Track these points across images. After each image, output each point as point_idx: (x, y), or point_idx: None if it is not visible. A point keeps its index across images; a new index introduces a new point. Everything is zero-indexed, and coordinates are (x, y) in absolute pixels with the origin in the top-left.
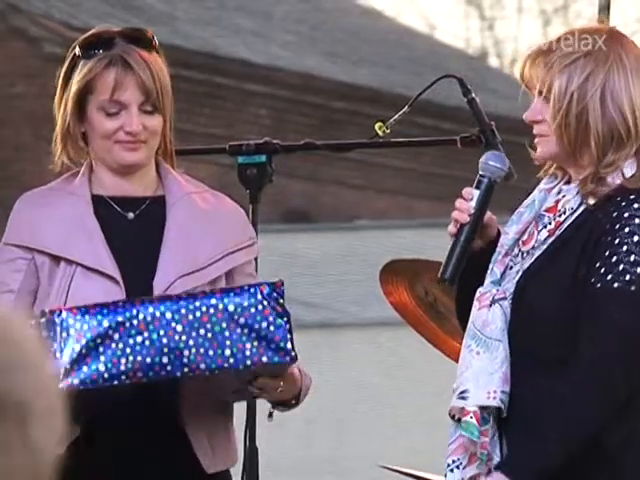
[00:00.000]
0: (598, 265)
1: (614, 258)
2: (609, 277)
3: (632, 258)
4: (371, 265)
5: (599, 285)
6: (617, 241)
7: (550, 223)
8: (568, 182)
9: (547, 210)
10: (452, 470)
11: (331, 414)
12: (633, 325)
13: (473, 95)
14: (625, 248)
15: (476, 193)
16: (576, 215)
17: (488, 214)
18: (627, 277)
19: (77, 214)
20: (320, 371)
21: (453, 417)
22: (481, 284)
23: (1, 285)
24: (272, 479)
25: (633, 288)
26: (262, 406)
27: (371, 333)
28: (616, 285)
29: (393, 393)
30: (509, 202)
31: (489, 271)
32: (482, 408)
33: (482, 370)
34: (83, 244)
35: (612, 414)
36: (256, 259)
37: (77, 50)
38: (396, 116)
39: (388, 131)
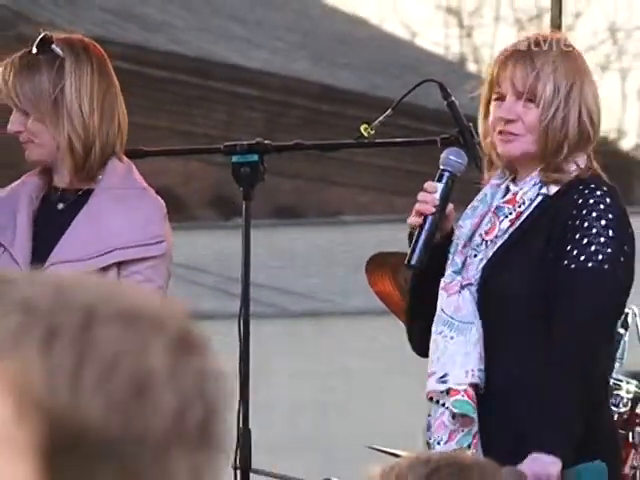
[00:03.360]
0: (570, 248)
1: (585, 240)
2: (582, 258)
3: (602, 239)
4: (355, 257)
5: (574, 266)
6: (586, 224)
7: (511, 213)
8: (514, 179)
9: (506, 202)
10: (434, 447)
11: (316, 398)
12: (609, 299)
13: (452, 98)
14: (594, 231)
15: (439, 186)
16: (535, 204)
17: (450, 206)
18: (599, 257)
19: (17, 207)
20: (306, 357)
21: (431, 399)
22: (434, 272)
23: None
24: (262, 458)
25: (606, 266)
26: (254, 389)
27: (355, 321)
28: (590, 264)
29: (375, 378)
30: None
31: (449, 261)
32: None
33: (457, 352)
34: (10, 234)
35: (599, 375)
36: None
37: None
38: (380, 118)
39: (373, 132)
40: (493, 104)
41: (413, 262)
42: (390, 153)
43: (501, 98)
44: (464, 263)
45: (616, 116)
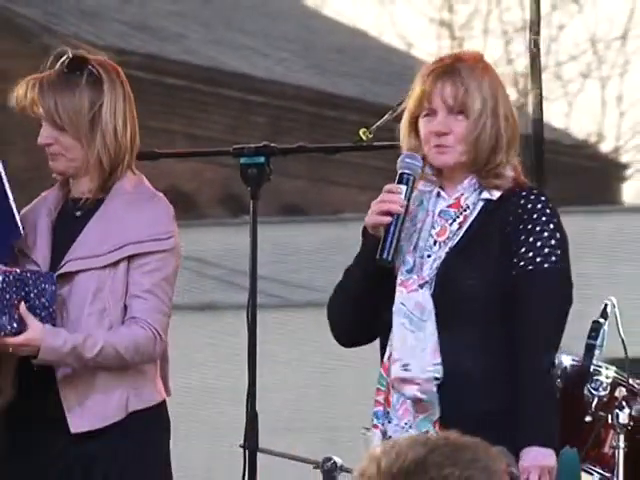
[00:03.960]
0: (524, 250)
1: (539, 243)
2: (538, 259)
3: (552, 242)
4: (354, 252)
5: (531, 267)
6: (538, 228)
7: (458, 217)
8: (441, 186)
9: (450, 206)
10: (407, 431)
11: (318, 382)
12: (565, 296)
13: None
14: (546, 234)
15: (403, 188)
16: (479, 208)
17: (411, 206)
18: (553, 258)
19: (38, 218)
20: (309, 345)
21: (393, 386)
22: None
23: None
24: (268, 439)
25: (559, 266)
26: (262, 376)
27: None
28: (546, 265)
29: (372, 364)
30: None
31: (401, 261)
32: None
33: (416, 347)
34: (31, 242)
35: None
36: (168, 252)
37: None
38: (378, 123)
39: (371, 136)
40: (423, 119)
41: (384, 256)
42: (387, 155)
43: (432, 113)
44: (415, 263)
45: (596, 121)
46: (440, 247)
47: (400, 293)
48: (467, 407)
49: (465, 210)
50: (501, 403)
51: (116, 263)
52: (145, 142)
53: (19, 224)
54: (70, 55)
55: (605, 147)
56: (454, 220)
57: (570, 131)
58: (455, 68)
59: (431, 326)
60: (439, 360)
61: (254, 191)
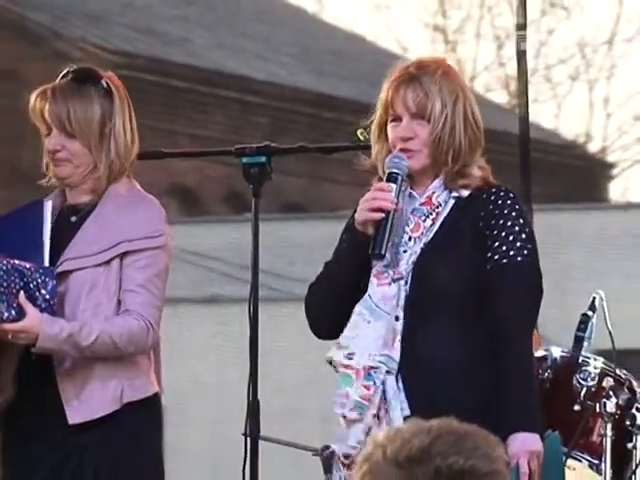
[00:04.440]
0: (498, 244)
1: (511, 237)
2: (512, 253)
3: (523, 236)
4: None
5: (505, 260)
6: (509, 223)
7: (431, 214)
8: (411, 188)
9: (423, 204)
10: (360, 413)
11: (318, 372)
12: (538, 288)
13: None
14: (517, 229)
15: (394, 186)
16: (450, 206)
17: (400, 204)
18: (525, 251)
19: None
20: (309, 336)
21: (331, 363)
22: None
23: None
24: (270, 426)
25: (531, 259)
26: (264, 366)
27: None
28: (519, 259)
29: None
30: None
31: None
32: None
33: (369, 335)
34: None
35: None
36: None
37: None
38: None
39: (368, 136)
40: (390, 125)
41: (378, 251)
42: None
43: (397, 119)
44: (391, 258)
45: (584, 122)
46: (415, 242)
47: (371, 284)
48: (441, 402)
49: (437, 207)
50: (476, 400)
51: (110, 261)
52: (150, 142)
53: (46, 262)
54: (75, 67)
55: (593, 147)
56: (427, 217)
57: (559, 131)
58: (416, 75)
59: (391, 321)
60: (394, 354)
61: (256, 189)
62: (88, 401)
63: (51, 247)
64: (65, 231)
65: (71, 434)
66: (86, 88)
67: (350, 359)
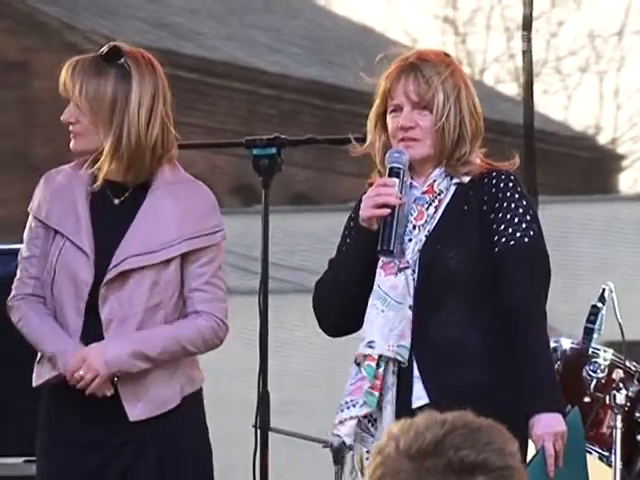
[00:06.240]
0: (504, 227)
1: (516, 219)
2: (518, 234)
3: (528, 217)
4: None
5: (513, 242)
6: (513, 205)
7: (433, 201)
8: (412, 178)
9: (424, 193)
10: (348, 408)
11: (327, 364)
12: (546, 267)
13: None
14: (521, 210)
15: (397, 181)
16: (452, 192)
17: (404, 198)
18: (531, 232)
19: (75, 197)
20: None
21: (356, 361)
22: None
23: (25, 251)
24: (278, 418)
25: (537, 240)
26: (273, 360)
27: None
28: (526, 239)
29: None
30: None
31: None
32: (380, 357)
33: (384, 326)
34: (72, 224)
35: None
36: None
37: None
38: None
39: None
40: (390, 115)
41: (386, 247)
42: None
43: (397, 109)
44: (396, 250)
45: (594, 113)
46: (419, 231)
47: (378, 275)
48: (457, 385)
49: (439, 194)
50: (492, 379)
51: (170, 259)
52: None
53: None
54: (111, 44)
55: (602, 139)
56: (430, 205)
57: (569, 123)
58: (417, 65)
59: (404, 310)
60: (405, 343)
61: (266, 181)
62: (150, 399)
63: (95, 229)
64: (109, 214)
65: (129, 426)
66: (105, 67)
67: (371, 347)
